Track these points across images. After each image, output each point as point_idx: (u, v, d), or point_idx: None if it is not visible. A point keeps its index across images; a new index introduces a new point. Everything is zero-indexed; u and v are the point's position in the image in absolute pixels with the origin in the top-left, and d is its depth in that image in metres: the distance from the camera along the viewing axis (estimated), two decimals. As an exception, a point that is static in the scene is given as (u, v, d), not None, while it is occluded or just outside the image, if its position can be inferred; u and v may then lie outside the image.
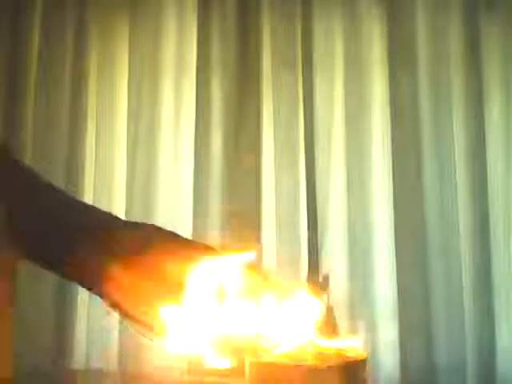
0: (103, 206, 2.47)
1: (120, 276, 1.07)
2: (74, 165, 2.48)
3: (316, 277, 2.29)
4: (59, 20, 2.56)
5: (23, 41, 2.57)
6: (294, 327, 1.08)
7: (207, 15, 2.49)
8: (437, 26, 2.38)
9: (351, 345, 1.97)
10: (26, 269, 2.42)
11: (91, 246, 1.10)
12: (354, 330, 2.30)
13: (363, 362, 1.91)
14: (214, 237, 2.38)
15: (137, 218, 2.44)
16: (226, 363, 1.03)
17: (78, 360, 2.44)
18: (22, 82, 2.55)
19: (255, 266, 1.13)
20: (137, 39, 2.53)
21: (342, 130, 2.41)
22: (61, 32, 2.55)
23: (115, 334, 2.41)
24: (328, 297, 2.26)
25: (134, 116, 2.49)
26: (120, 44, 2.57)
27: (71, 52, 2.54)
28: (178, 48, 2.53)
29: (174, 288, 1.04)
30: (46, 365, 2.40)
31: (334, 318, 2.26)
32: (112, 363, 2.41)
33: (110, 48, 2.57)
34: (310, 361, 1.03)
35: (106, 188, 2.51)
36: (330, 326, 2.23)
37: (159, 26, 2.53)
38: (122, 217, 2.45)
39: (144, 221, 2.41)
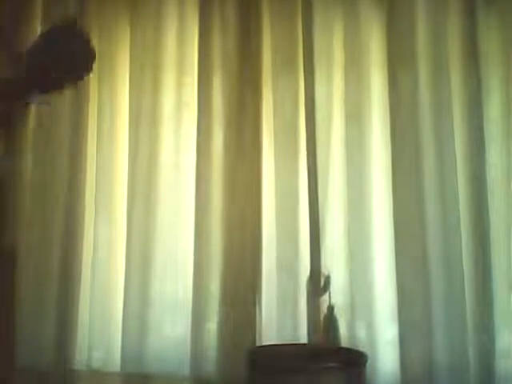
0: (105, 206, 2.51)
1: None
2: (75, 166, 2.49)
3: (317, 277, 2.30)
4: (59, 18, 2.56)
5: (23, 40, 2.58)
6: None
7: (208, 15, 2.49)
8: (436, 25, 2.38)
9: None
10: (28, 270, 2.45)
11: None
12: (354, 330, 2.31)
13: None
14: (215, 236, 2.39)
15: (138, 217, 2.45)
16: None
17: (80, 361, 2.45)
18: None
19: None
20: (138, 39, 2.54)
21: (342, 130, 2.41)
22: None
23: (117, 334, 2.42)
24: (329, 297, 2.28)
25: (134, 115, 2.50)
26: (121, 44, 2.58)
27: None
28: (179, 48, 2.53)
29: None
30: (47, 365, 2.41)
31: (335, 318, 2.28)
32: (113, 364, 2.42)
33: (111, 48, 2.57)
34: None
35: (107, 188, 2.51)
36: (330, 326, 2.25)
37: (160, 25, 2.54)
38: (124, 216, 2.47)
39: (146, 220, 2.44)
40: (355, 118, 2.40)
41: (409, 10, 2.38)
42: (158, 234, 2.44)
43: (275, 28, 2.48)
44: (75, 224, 2.47)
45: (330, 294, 2.27)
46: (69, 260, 2.46)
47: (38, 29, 2.57)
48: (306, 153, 2.38)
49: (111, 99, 2.55)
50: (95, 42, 2.53)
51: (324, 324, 2.25)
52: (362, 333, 2.31)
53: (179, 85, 2.51)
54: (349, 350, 2.13)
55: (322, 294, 2.27)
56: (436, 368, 2.21)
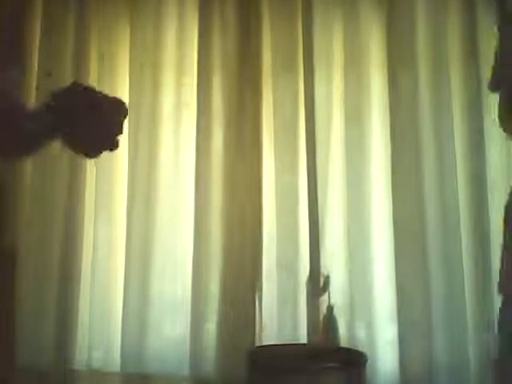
0: (104, 206, 2.51)
1: None
2: (75, 166, 2.49)
3: (316, 277, 2.30)
4: (59, 18, 2.56)
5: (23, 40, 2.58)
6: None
7: (208, 15, 2.49)
8: (436, 25, 2.38)
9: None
10: (28, 270, 2.45)
11: None
12: (353, 330, 2.31)
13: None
14: (214, 235, 2.39)
15: (138, 217, 2.45)
16: None
17: (79, 361, 2.45)
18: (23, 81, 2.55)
19: None
20: (137, 39, 2.54)
21: (342, 130, 2.41)
22: (61, 30, 2.55)
23: (117, 334, 2.42)
24: (328, 297, 2.28)
25: (134, 115, 2.50)
26: (121, 44, 2.58)
27: (71, 51, 2.55)
28: (179, 47, 2.53)
29: None
30: (47, 365, 2.41)
31: (334, 318, 2.28)
32: (113, 364, 2.42)
33: (111, 47, 2.57)
34: None
35: (107, 188, 2.51)
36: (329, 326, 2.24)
37: (160, 25, 2.54)
38: (124, 216, 2.47)
39: (146, 220, 2.44)
40: (355, 117, 2.40)
41: (409, 10, 2.38)
42: (157, 233, 2.44)
43: (275, 28, 2.48)
44: (75, 224, 2.47)
45: (329, 294, 2.27)
46: (69, 260, 2.46)
47: (37, 29, 2.58)
48: (305, 152, 2.38)
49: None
50: (95, 42, 2.55)
51: (323, 324, 2.25)
52: (361, 333, 2.31)
53: (179, 85, 2.51)
54: (348, 350, 2.13)
55: (321, 294, 2.27)
56: (436, 368, 2.21)
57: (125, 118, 1.25)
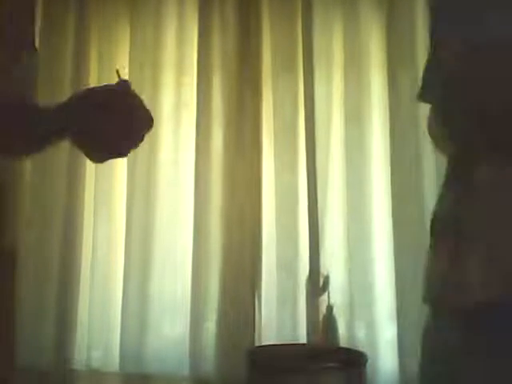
0: (104, 206, 2.51)
1: None
2: (74, 165, 2.48)
3: (316, 277, 2.30)
4: (59, 18, 2.56)
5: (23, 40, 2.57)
6: None
7: (208, 14, 2.50)
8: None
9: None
10: (28, 270, 2.45)
11: None
12: (353, 330, 2.31)
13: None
14: (214, 234, 2.39)
15: (138, 215, 2.45)
16: None
17: (79, 360, 2.45)
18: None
19: None
20: (137, 39, 2.54)
21: (342, 130, 2.41)
22: (61, 30, 2.55)
23: (116, 334, 2.42)
24: (328, 297, 2.28)
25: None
26: (121, 43, 2.58)
27: (71, 51, 2.55)
28: (179, 47, 2.53)
29: None
30: (47, 365, 2.41)
31: (334, 318, 2.28)
32: (113, 363, 2.42)
33: (111, 47, 2.57)
34: None
35: (106, 188, 2.51)
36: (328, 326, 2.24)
37: (160, 25, 2.54)
38: (123, 216, 2.47)
39: (145, 219, 2.44)
40: (355, 118, 2.40)
41: (409, 10, 2.38)
42: (157, 233, 2.44)
43: (275, 28, 2.48)
44: (74, 224, 2.47)
45: (329, 294, 2.27)
46: (68, 260, 2.46)
47: (37, 29, 2.57)
48: (305, 152, 2.38)
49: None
50: (95, 42, 2.55)
51: (323, 324, 2.24)
52: (361, 333, 2.30)
53: (178, 84, 2.51)
54: (348, 350, 2.13)
55: (320, 294, 2.27)
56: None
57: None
